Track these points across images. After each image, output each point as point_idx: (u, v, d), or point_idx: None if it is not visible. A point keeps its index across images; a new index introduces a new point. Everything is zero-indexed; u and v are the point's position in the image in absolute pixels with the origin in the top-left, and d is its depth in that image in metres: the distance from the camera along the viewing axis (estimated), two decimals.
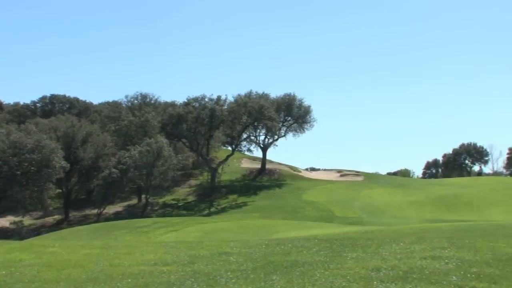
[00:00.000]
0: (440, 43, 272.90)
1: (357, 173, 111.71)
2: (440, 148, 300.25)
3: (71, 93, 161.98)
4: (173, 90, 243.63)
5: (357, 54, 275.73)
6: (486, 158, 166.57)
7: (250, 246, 17.23)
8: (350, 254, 14.59)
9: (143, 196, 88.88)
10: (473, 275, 11.60)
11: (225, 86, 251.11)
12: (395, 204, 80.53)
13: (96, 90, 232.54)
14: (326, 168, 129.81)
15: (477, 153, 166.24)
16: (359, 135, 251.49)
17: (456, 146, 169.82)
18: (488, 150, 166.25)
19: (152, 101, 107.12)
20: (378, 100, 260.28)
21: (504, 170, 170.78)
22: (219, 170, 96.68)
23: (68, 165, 76.81)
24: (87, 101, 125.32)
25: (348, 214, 73.02)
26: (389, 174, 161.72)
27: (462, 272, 11.80)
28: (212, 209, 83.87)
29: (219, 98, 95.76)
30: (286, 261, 13.79)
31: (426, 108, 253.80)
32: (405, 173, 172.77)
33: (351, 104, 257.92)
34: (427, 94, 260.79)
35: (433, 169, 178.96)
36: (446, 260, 13.13)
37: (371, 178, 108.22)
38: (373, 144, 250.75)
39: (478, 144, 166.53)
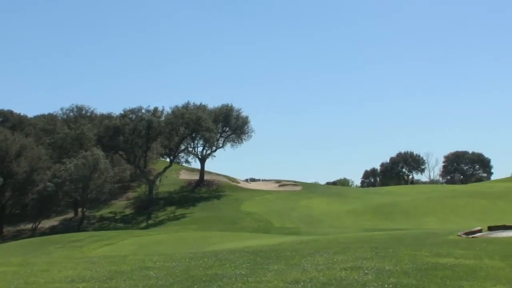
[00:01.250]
0: (374, 50, 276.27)
1: (296, 183, 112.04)
2: (378, 157, 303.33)
3: (4, 106, 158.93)
4: (110, 102, 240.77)
5: (294, 64, 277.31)
6: (423, 167, 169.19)
7: (174, 260, 16.94)
8: (272, 266, 14.42)
9: (79, 209, 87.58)
10: (391, 286, 11.55)
11: (163, 97, 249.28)
12: (333, 213, 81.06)
13: (31, 103, 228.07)
14: (266, 178, 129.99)
15: (414, 162, 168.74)
16: (298, 145, 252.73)
17: (394, 154, 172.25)
18: (424, 158, 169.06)
19: (88, 113, 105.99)
20: (317, 110, 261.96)
21: (440, 178, 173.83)
22: (157, 182, 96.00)
23: (1, 179, 75.50)
24: (22, 114, 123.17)
25: (286, 224, 73.23)
26: (328, 183, 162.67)
27: (380, 283, 11.74)
28: (150, 222, 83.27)
29: (156, 109, 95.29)
30: (206, 275, 13.55)
31: (364, 117, 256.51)
32: (344, 183, 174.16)
33: (290, 114, 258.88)
34: (365, 103, 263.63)
35: (371, 178, 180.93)
36: (366, 271, 13.07)
37: (310, 188, 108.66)
38: (312, 154, 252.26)
39: (414, 153, 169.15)
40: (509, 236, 31.09)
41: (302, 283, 11.93)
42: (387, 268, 13.48)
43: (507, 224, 42.36)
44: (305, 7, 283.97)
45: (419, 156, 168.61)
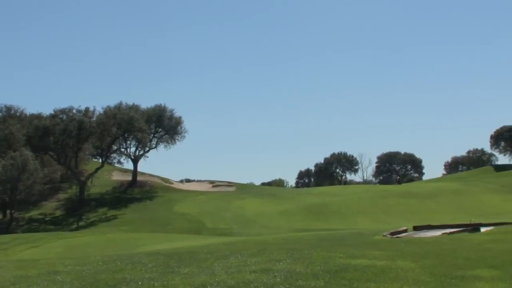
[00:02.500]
0: (306, 52, 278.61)
1: (229, 184, 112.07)
2: (313, 158, 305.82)
3: None
4: (40, 102, 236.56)
5: (228, 65, 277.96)
6: (356, 167, 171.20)
7: (85, 264, 16.52)
8: (183, 269, 14.16)
9: (8, 211, 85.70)
10: None
11: (94, 97, 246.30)
12: (266, 214, 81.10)
13: None
14: (202, 179, 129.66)
15: (347, 162, 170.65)
16: (234, 146, 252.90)
17: (328, 155, 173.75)
18: (358, 159, 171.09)
19: (17, 113, 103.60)
20: (254, 111, 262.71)
21: (373, 179, 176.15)
22: (88, 183, 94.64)
23: None
24: None
25: (219, 225, 72.94)
26: (263, 184, 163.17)
27: (287, 286, 11.59)
28: (81, 223, 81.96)
29: (87, 109, 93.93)
30: (113, 279, 13.20)
31: (299, 118, 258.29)
32: (279, 183, 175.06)
33: (226, 115, 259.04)
34: (300, 104, 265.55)
35: (305, 179, 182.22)
36: (276, 273, 12.90)
37: (243, 189, 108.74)
38: (248, 155, 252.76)
39: (348, 153, 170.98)
40: (431, 235, 31.52)
41: (209, 287, 11.71)
42: (297, 270, 13.35)
43: (433, 223, 43.09)
44: (237, 7, 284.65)
45: (352, 156, 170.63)
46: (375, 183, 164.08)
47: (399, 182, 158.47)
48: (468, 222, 40.79)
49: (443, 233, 31.60)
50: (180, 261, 15.77)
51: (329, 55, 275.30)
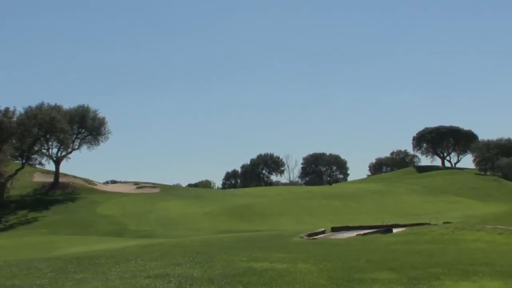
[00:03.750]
0: (233, 54, 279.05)
1: (154, 185, 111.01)
2: (241, 159, 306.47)
3: None
4: None
5: (153, 65, 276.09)
6: (282, 168, 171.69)
7: None
8: (77, 275, 13.72)
9: None
10: None
11: (15, 97, 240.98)
12: (190, 215, 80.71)
13: None
14: (128, 180, 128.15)
15: (273, 163, 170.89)
16: (161, 147, 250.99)
17: (254, 156, 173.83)
18: (284, 160, 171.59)
19: None
20: (181, 111, 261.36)
21: (299, 180, 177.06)
22: (8, 185, 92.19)
23: None
24: None
25: (142, 227, 72.13)
26: (190, 185, 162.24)
27: None
28: (0, 226, 79.85)
29: (7, 109, 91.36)
30: (2, 286, 12.67)
31: (226, 119, 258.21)
32: (206, 184, 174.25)
33: (153, 116, 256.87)
34: (227, 105, 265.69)
35: (232, 180, 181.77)
36: (172, 278, 12.62)
37: (168, 190, 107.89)
38: (175, 156, 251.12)
39: (274, 155, 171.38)
40: (346, 237, 31.74)
41: None
42: (195, 275, 13.09)
43: (352, 225, 43.49)
44: (160, 7, 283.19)
45: (278, 157, 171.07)
46: (301, 184, 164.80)
47: (329, 183, 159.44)
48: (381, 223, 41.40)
49: (357, 234, 31.88)
50: (78, 266, 15.32)
51: (256, 55, 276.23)
